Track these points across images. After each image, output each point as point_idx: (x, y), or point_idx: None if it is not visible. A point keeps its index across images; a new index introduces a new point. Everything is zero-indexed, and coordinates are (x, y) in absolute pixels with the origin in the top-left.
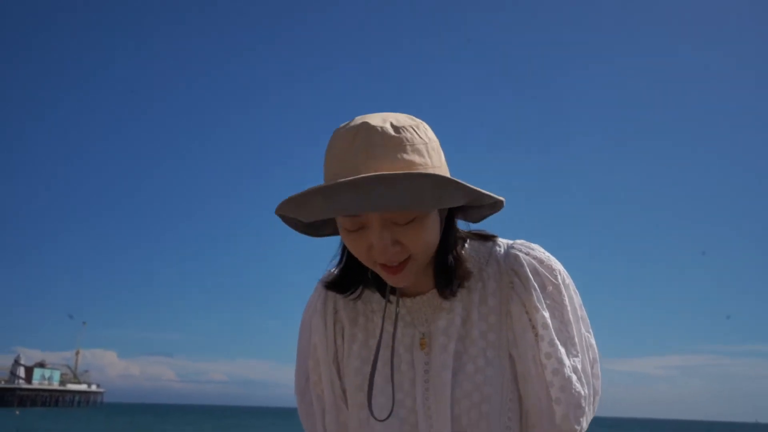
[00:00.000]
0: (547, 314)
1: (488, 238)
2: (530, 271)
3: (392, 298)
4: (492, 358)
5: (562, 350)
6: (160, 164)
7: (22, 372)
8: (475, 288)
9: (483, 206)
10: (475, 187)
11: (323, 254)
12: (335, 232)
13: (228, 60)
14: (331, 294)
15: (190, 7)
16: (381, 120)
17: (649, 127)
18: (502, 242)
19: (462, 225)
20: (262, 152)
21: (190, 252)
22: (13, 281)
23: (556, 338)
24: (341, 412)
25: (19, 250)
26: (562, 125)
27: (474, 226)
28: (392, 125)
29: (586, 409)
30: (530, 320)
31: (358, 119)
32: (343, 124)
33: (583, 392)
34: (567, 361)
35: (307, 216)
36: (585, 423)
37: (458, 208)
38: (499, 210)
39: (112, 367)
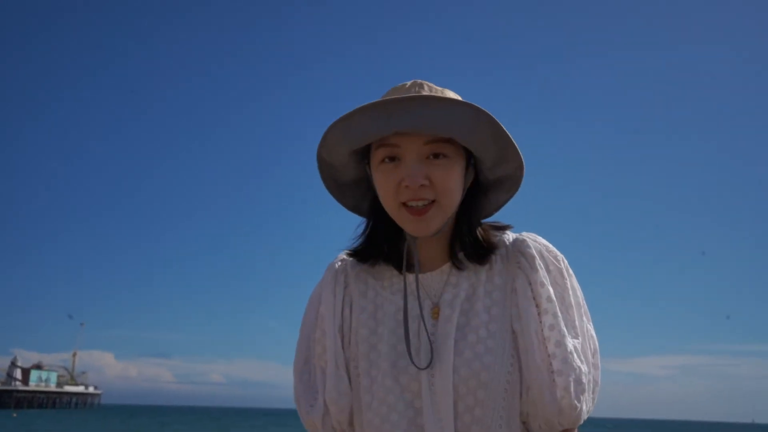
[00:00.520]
0: (551, 290)
1: (501, 228)
2: (536, 253)
3: (409, 275)
4: (494, 330)
5: (564, 326)
6: (158, 165)
7: (19, 374)
8: (482, 267)
9: (501, 186)
10: (507, 132)
11: (321, 256)
12: (357, 205)
13: (228, 59)
14: (341, 268)
15: (190, 7)
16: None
17: (649, 127)
18: (511, 233)
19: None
20: (261, 153)
21: (188, 253)
22: (11, 282)
23: (559, 313)
24: (342, 381)
25: (16, 251)
26: (561, 124)
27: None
28: (438, 87)
29: (587, 387)
30: (534, 296)
31: None
32: None
33: (584, 368)
34: (569, 338)
35: (353, 139)
36: (584, 404)
37: (479, 189)
38: (514, 191)
39: (110, 368)
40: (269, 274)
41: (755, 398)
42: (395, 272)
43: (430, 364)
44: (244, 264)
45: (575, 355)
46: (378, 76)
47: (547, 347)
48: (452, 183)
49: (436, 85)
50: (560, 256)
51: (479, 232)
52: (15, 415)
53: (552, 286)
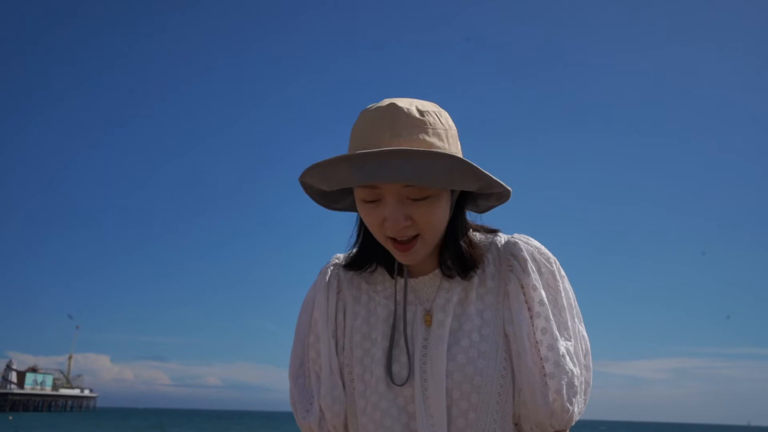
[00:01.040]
0: (543, 293)
1: (491, 231)
2: (528, 256)
3: (400, 280)
4: (487, 334)
5: (557, 329)
6: (155, 167)
7: (14, 377)
8: (475, 271)
9: (490, 196)
10: (487, 173)
11: (321, 256)
12: (347, 208)
13: (228, 59)
14: (334, 273)
15: (190, 7)
16: (408, 103)
17: (649, 126)
18: (502, 235)
19: (469, 216)
20: (260, 156)
21: (185, 256)
22: (6, 285)
23: (551, 316)
24: (336, 386)
25: (12, 253)
26: (561, 122)
27: (476, 221)
28: (417, 109)
29: (579, 390)
30: (526, 299)
31: (387, 101)
32: (371, 105)
33: (576, 371)
34: (561, 340)
35: (329, 184)
36: (576, 406)
37: (467, 197)
38: (505, 201)
39: (106, 371)
40: (266, 277)
41: (751, 401)
42: (388, 276)
43: (407, 381)
44: (241, 267)
45: (567, 358)
46: (378, 76)
47: (539, 350)
48: (435, 219)
49: (416, 99)
50: (552, 258)
51: (465, 247)
52: (11, 418)
53: (544, 289)
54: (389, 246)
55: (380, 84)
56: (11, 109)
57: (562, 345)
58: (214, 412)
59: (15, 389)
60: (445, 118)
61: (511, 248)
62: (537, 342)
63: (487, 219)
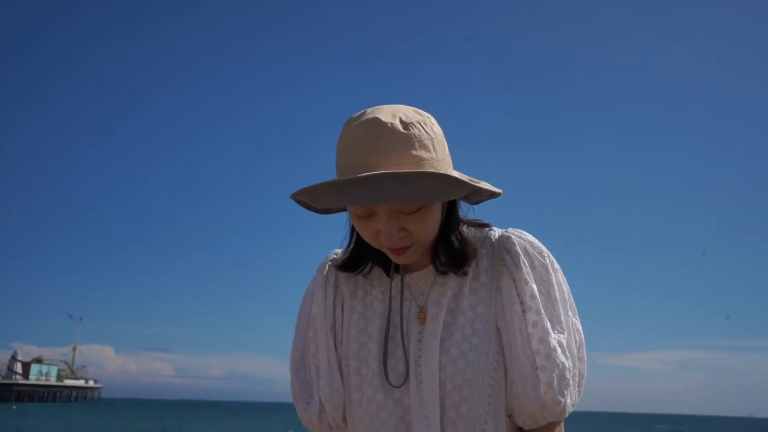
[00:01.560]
0: (535, 287)
1: (484, 225)
2: (521, 250)
3: (396, 276)
4: (479, 328)
5: (548, 322)
6: (157, 160)
7: (19, 368)
8: (468, 266)
9: (482, 192)
10: (476, 184)
11: (322, 248)
12: (342, 210)
13: (228, 58)
14: (332, 268)
15: (190, 6)
16: (391, 116)
17: (649, 125)
18: (497, 229)
19: (462, 208)
20: (261, 149)
21: (188, 247)
22: (11, 276)
23: (542, 309)
24: (334, 379)
25: (16, 245)
26: (561, 121)
27: (470, 216)
28: (401, 121)
29: (571, 382)
30: (518, 293)
31: (369, 113)
32: (354, 117)
33: (567, 364)
34: (553, 333)
35: (320, 205)
36: (569, 399)
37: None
38: (497, 197)
39: (110, 362)
40: (269, 268)
41: (752, 393)
42: (384, 272)
43: (405, 381)
44: (244, 258)
45: (559, 350)
46: (378, 76)
47: (530, 344)
48: (429, 226)
49: (403, 105)
50: (545, 251)
51: (457, 243)
52: (15, 408)
53: (536, 283)
54: (385, 250)
55: (380, 84)
56: (12, 107)
57: (554, 338)
58: (218, 403)
59: (20, 380)
60: (430, 125)
61: (505, 243)
62: (528, 335)
63: (489, 219)
